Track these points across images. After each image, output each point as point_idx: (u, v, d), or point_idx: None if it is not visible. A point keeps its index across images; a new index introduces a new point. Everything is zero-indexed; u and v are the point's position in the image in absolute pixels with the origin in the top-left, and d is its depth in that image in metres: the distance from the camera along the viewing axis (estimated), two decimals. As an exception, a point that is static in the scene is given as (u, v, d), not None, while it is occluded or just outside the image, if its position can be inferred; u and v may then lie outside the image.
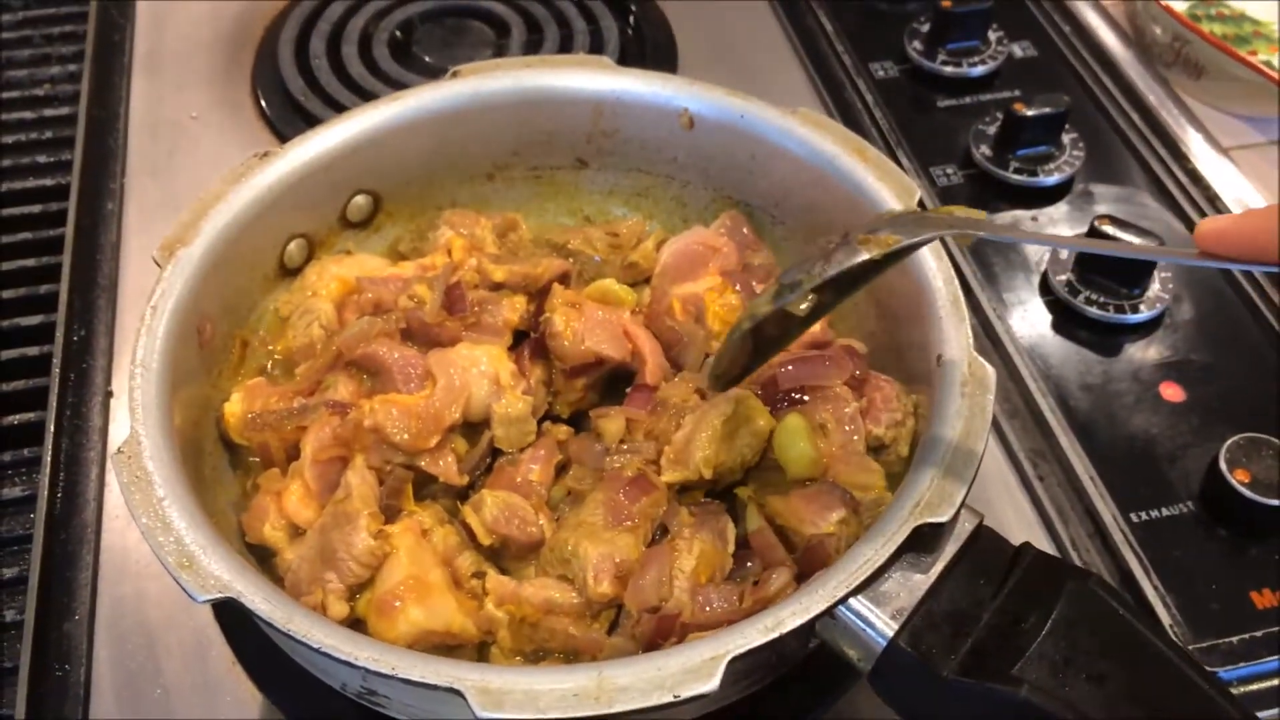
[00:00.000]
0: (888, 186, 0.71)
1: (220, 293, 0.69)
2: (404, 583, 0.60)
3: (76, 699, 0.68)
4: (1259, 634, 0.71)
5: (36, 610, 0.70)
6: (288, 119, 1.03)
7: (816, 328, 0.73)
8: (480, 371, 0.68)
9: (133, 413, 0.59)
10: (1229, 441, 0.76)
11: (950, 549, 0.56)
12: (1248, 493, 0.74)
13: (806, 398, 0.67)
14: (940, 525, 0.55)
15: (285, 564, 0.63)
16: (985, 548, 0.57)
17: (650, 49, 1.09)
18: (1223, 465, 0.75)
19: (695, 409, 0.66)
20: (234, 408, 0.67)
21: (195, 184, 0.96)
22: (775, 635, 0.51)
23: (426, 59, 1.07)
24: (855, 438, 0.66)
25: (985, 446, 0.59)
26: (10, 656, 0.70)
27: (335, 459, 0.65)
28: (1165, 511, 0.76)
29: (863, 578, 0.53)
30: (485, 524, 0.64)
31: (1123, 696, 0.51)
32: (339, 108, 1.02)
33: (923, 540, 0.55)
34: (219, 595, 0.52)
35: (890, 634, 0.53)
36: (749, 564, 0.63)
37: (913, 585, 0.55)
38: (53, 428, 0.79)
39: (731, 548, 0.63)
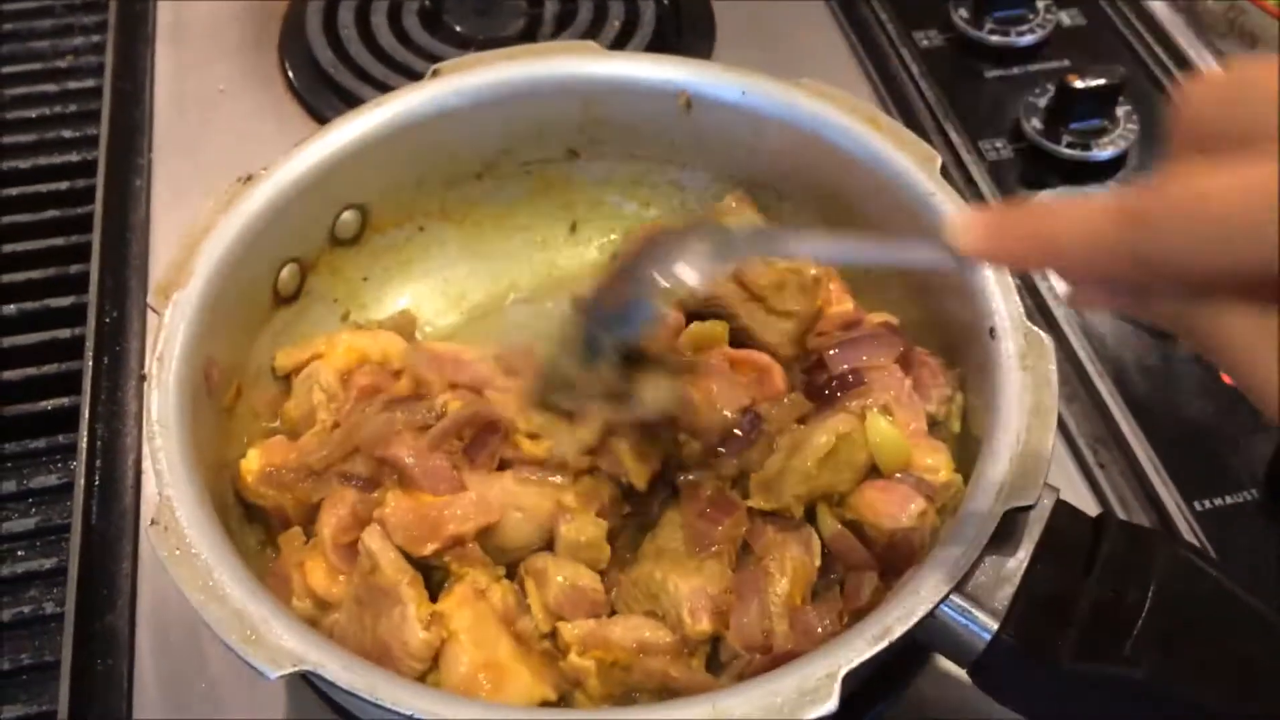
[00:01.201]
0: (907, 154, 0.68)
1: (222, 332, 0.65)
2: (473, 672, 0.56)
3: (120, 693, 0.67)
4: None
5: (77, 602, 0.69)
6: (317, 91, 1.00)
7: (847, 305, 0.71)
8: (519, 512, 0.61)
9: (159, 477, 0.56)
10: (1296, 427, 0.74)
11: (1035, 530, 0.55)
12: (1316, 481, 0.72)
13: (865, 380, 0.65)
14: (1028, 508, 0.54)
15: (327, 626, 0.60)
16: (1067, 523, 0.56)
17: (687, 20, 1.06)
18: (1290, 452, 0.73)
19: (789, 431, 0.63)
20: (251, 464, 0.63)
21: (224, 159, 0.94)
22: (885, 644, 0.49)
23: (458, 28, 1.05)
24: (918, 417, 0.64)
25: (1056, 419, 0.58)
26: (51, 650, 0.68)
27: (356, 541, 0.61)
28: (1230, 499, 0.74)
29: (960, 574, 0.51)
30: (548, 606, 0.59)
31: (1236, 665, 0.50)
32: (369, 79, 0.99)
33: (1009, 524, 0.54)
34: (293, 669, 0.49)
35: (994, 628, 0.52)
36: (831, 573, 0.61)
37: (1006, 573, 0.53)
38: (88, 413, 0.77)
39: (818, 560, 0.60)
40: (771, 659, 0.56)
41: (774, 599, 0.58)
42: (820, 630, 0.57)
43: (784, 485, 0.60)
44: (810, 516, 0.62)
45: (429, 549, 0.59)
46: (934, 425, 0.65)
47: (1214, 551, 0.71)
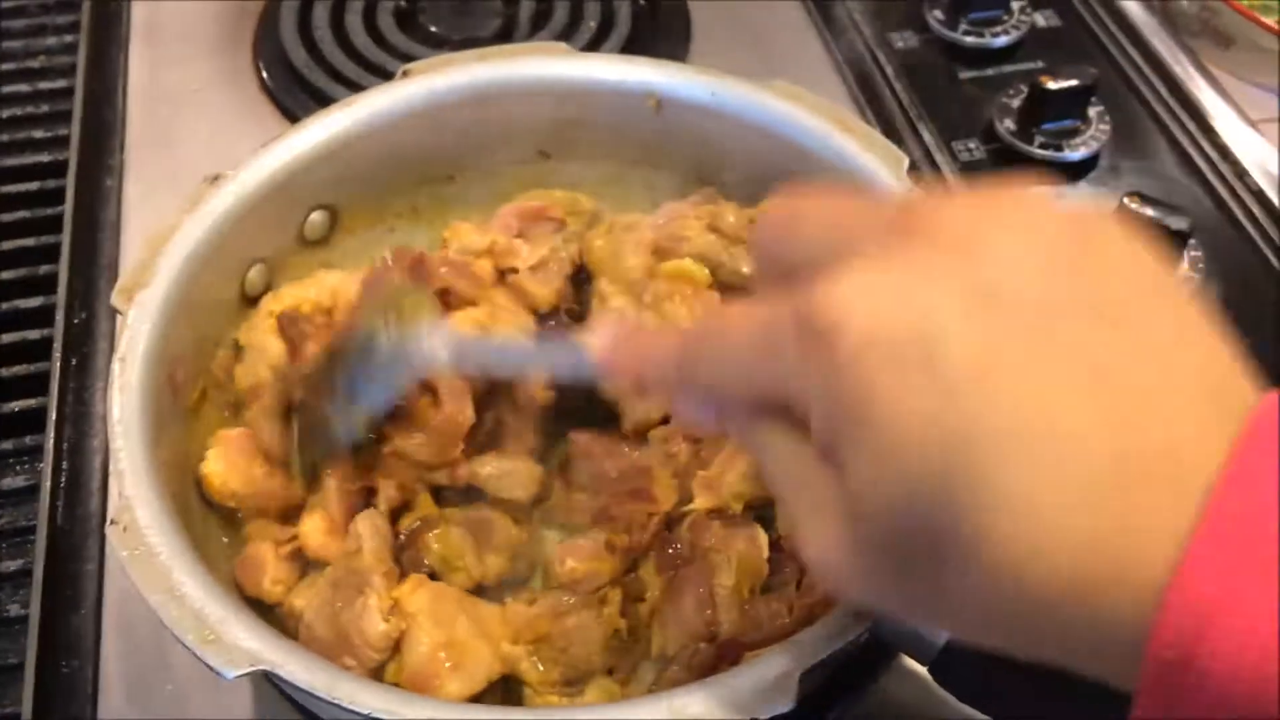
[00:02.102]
0: (875, 155, 0.68)
1: (187, 333, 0.65)
2: (432, 651, 0.57)
3: (85, 696, 0.66)
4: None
5: (42, 604, 0.68)
6: (291, 91, 1.00)
7: None
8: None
9: (120, 477, 0.56)
10: (1264, 428, 0.74)
11: None
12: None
13: None
14: None
15: (293, 612, 0.61)
16: None
17: (663, 21, 1.06)
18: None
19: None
20: (213, 466, 0.63)
21: (197, 159, 0.94)
22: (844, 642, 0.49)
23: (433, 29, 1.04)
24: None
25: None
26: (15, 652, 0.68)
27: (361, 489, 0.62)
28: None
29: (922, 567, 0.51)
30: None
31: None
32: (342, 79, 0.99)
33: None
34: (251, 669, 0.49)
35: None
36: (785, 569, 0.61)
37: None
38: (55, 415, 0.76)
39: (766, 554, 0.60)
40: (718, 647, 0.56)
41: (719, 588, 0.58)
42: (767, 623, 0.57)
43: (722, 483, 0.60)
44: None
45: (456, 451, 0.63)
46: None
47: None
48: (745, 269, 0.70)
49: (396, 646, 0.59)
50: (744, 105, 0.73)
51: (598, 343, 0.46)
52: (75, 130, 0.94)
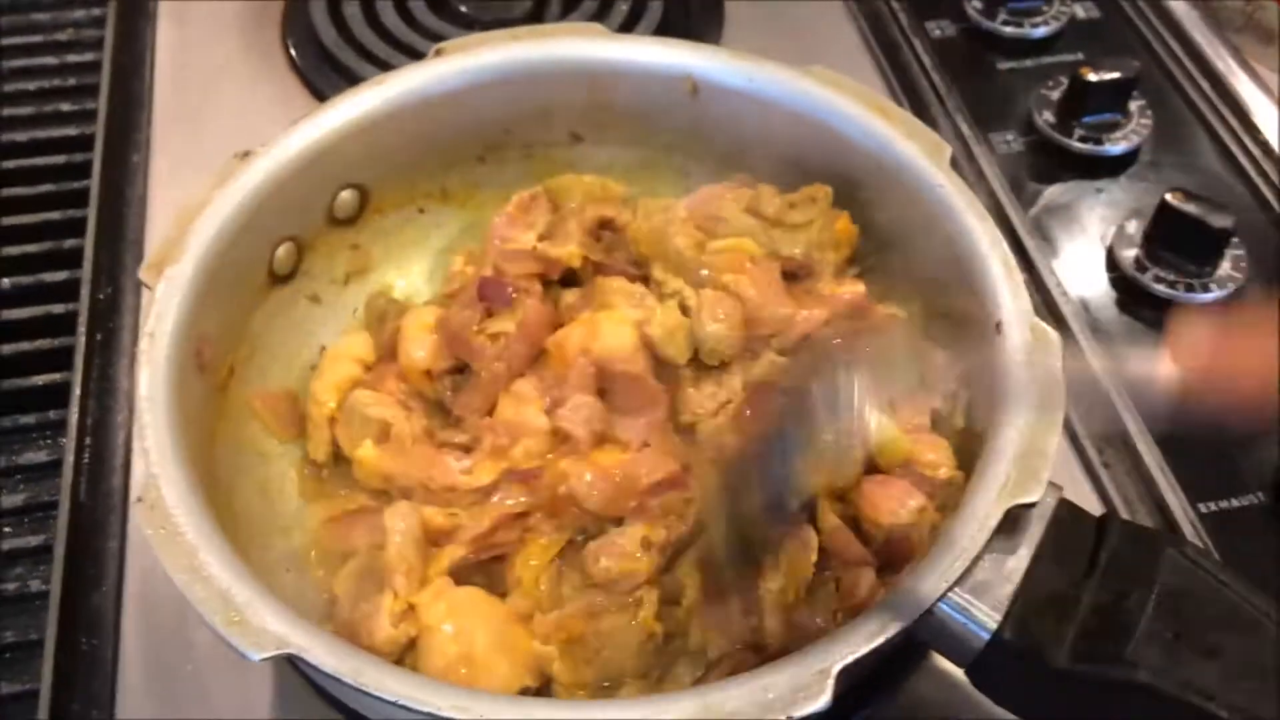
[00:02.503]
0: (916, 145, 0.67)
1: (215, 310, 0.64)
2: (450, 668, 0.56)
3: (104, 673, 0.65)
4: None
5: (63, 581, 0.68)
6: (319, 70, 0.99)
7: (859, 287, 0.69)
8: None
9: (147, 454, 0.55)
10: (1304, 431, 0.73)
11: (1037, 528, 0.54)
12: (1324, 485, 0.71)
13: None
14: (1030, 506, 0.53)
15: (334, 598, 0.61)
16: (1069, 522, 0.55)
17: (696, 4, 1.04)
18: (1299, 456, 0.72)
19: None
20: (368, 453, 0.64)
21: (224, 135, 0.93)
22: (881, 640, 0.48)
23: (463, 9, 1.03)
24: (922, 412, 0.62)
25: (1062, 416, 0.56)
26: (36, 628, 0.67)
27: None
28: (1235, 502, 0.73)
29: (960, 570, 0.50)
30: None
31: (1238, 669, 0.49)
32: (372, 59, 0.98)
33: (1011, 522, 0.53)
34: (276, 652, 0.48)
35: (993, 626, 0.51)
36: (825, 569, 0.60)
37: (1007, 571, 0.52)
38: (79, 390, 0.76)
39: (814, 556, 0.59)
40: (763, 658, 0.55)
41: (766, 594, 0.56)
42: (814, 628, 0.56)
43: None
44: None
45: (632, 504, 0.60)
46: (937, 420, 0.64)
47: (1219, 555, 0.70)
48: (785, 251, 0.69)
49: (411, 644, 0.58)
50: (782, 91, 0.72)
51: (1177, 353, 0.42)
52: (102, 104, 0.93)
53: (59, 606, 0.66)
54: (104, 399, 0.77)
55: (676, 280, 0.68)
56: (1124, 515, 0.73)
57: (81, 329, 0.79)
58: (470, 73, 0.73)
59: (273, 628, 0.50)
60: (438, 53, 0.73)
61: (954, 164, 0.67)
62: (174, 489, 0.54)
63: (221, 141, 0.92)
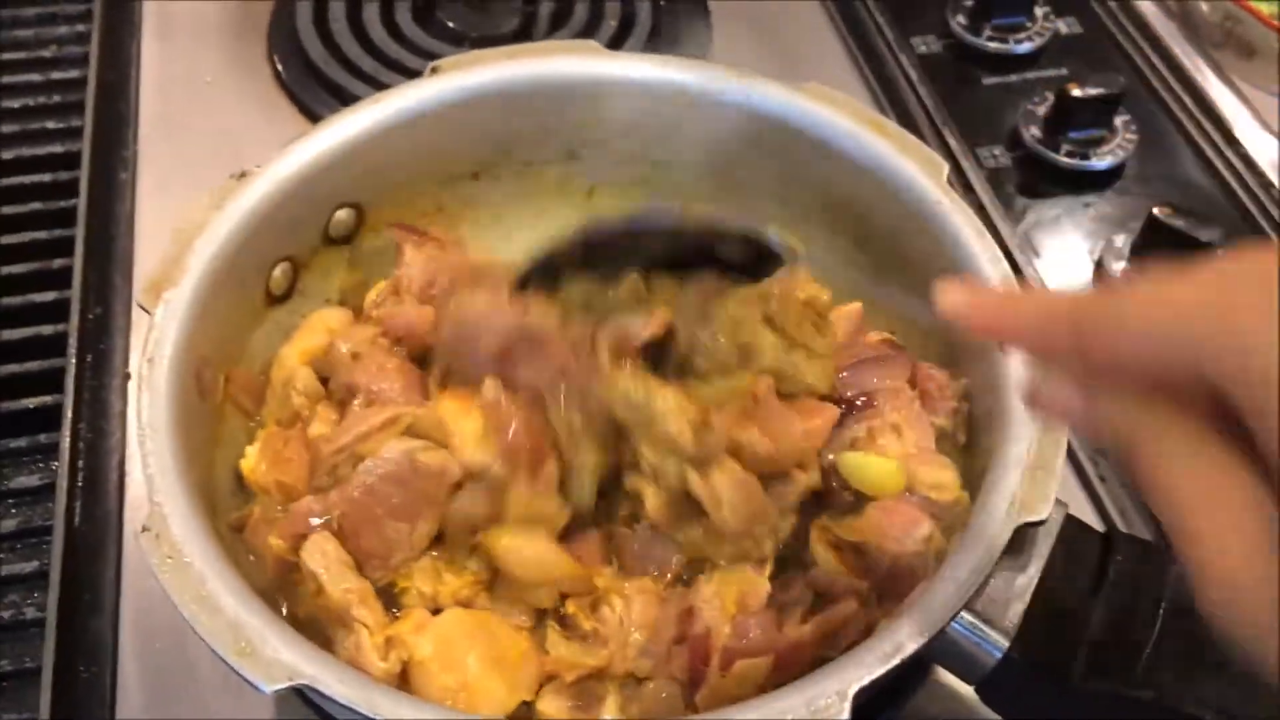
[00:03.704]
0: (912, 161, 0.68)
1: (214, 333, 0.63)
2: (444, 698, 0.55)
3: (104, 701, 0.65)
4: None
5: (59, 607, 0.67)
6: (306, 85, 0.98)
7: (824, 294, 0.66)
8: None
9: (150, 482, 0.54)
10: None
11: (1045, 546, 0.54)
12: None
13: (875, 403, 0.64)
14: (1039, 524, 0.53)
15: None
16: (1076, 539, 0.55)
17: (684, 20, 1.05)
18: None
19: None
20: (250, 463, 0.63)
21: (212, 152, 0.93)
22: (897, 661, 0.48)
23: (451, 24, 1.03)
24: (927, 436, 0.63)
25: (1067, 433, 0.57)
26: (33, 656, 0.66)
27: None
28: (1229, 514, 0.74)
29: (973, 589, 0.51)
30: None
31: (1248, 688, 0.50)
32: (359, 74, 0.98)
33: (1019, 540, 0.53)
34: (289, 683, 0.48)
35: (1005, 645, 0.51)
36: (791, 590, 0.59)
37: (1017, 590, 0.53)
38: (70, 413, 0.75)
39: (769, 570, 0.59)
40: (694, 643, 0.56)
41: (701, 605, 0.57)
42: (753, 636, 0.55)
43: None
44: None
45: None
46: (943, 439, 0.64)
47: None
48: (806, 380, 0.62)
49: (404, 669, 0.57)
50: (777, 107, 0.72)
51: (949, 298, 0.41)
52: (88, 121, 0.92)
53: (56, 634, 0.66)
54: (96, 421, 0.76)
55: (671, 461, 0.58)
56: (1121, 528, 0.74)
57: (72, 350, 0.78)
58: (467, 91, 0.73)
59: (284, 658, 0.49)
60: (434, 71, 0.73)
61: (949, 180, 0.68)
62: (179, 517, 0.54)
63: (209, 158, 0.93)
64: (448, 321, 0.63)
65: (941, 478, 0.60)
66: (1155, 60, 1.02)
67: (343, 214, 0.73)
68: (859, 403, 0.64)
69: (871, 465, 0.61)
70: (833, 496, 0.62)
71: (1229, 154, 0.95)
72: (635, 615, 0.58)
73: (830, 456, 0.62)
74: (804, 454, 0.61)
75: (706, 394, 0.58)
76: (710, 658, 0.55)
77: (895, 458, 0.61)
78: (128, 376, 0.77)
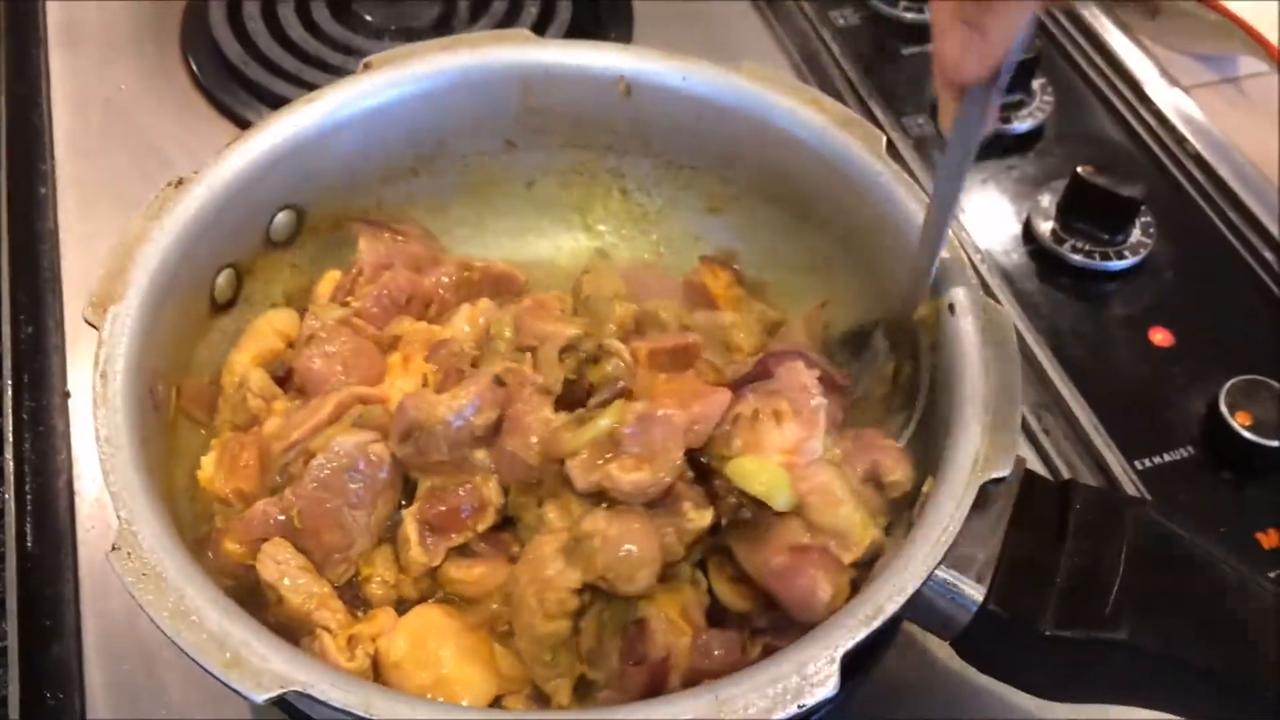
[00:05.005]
0: (851, 134, 0.69)
1: (163, 345, 0.62)
2: (421, 694, 0.56)
3: (74, 727, 0.64)
4: (1270, 575, 0.72)
5: (20, 633, 0.65)
6: (225, 86, 0.97)
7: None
8: None
9: (115, 499, 0.53)
10: (1228, 384, 0.77)
11: (1007, 500, 0.56)
12: (1250, 435, 0.75)
13: (773, 373, 0.61)
14: (1001, 480, 0.54)
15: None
16: (1035, 492, 0.57)
17: (605, 5, 1.05)
18: (1223, 408, 0.76)
19: None
20: (207, 470, 0.63)
21: (132, 161, 0.91)
22: (879, 622, 0.49)
23: (368, 18, 1.02)
24: (813, 434, 0.58)
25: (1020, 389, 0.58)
26: (-4, 686, 0.65)
27: None
28: (1168, 457, 0.77)
29: (945, 548, 0.52)
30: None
31: (1211, 621, 0.52)
32: (280, 72, 0.96)
33: (982, 497, 0.54)
34: (281, 691, 0.47)
35: (979, 598, 0.53)
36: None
37: (985, 543, 0.54)
38: (12, 436, 0.73)
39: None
40: (653, 668, 0.55)
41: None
42: (717, 654, 0.56)
43: None
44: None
45: None
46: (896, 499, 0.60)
47: (1158, 508, 0.74)
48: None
49: (374, 665, 0.58)
50: (715, 88, 0.73)
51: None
52: (1, 137, 0.90)
53: (19, 661, 0.64)
54: (39, 442, 0.74)
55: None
56: (1068, 477, 0.76)
57: (7, 371, 0.76)
58: (401, 85, 0.72)
59: (274, 666, 0.49)
60: (366, 67, 0.72)
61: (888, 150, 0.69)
62: (149, 531, 0.53)
63: (130, 167, 0.91)
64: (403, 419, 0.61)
65: (897, 474, 0.59)
66: (1065, 23, 1.05)
67: (283, 217, 0.72)
68: (758, 370, 0.62)
69: (762, 469, 0.57)
70: (726, 508, 0.58)
71: (1142, 111, 0.98)
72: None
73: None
74: (678, 470, 0.57)
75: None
76: (669, 677, 0.56)
77: (774, 455, 0.58)
78: (67, 394, 0.77)
